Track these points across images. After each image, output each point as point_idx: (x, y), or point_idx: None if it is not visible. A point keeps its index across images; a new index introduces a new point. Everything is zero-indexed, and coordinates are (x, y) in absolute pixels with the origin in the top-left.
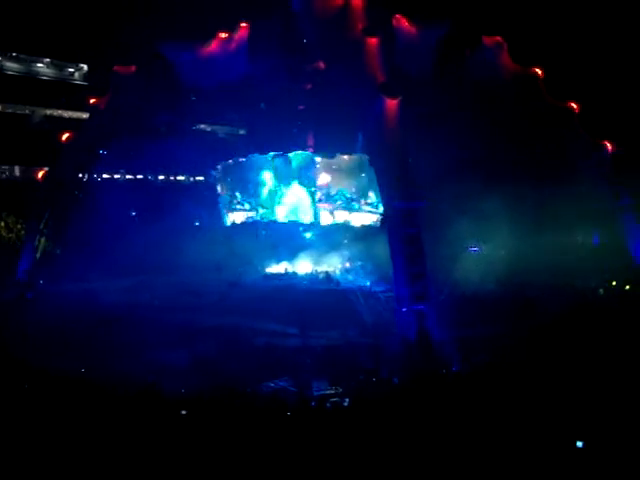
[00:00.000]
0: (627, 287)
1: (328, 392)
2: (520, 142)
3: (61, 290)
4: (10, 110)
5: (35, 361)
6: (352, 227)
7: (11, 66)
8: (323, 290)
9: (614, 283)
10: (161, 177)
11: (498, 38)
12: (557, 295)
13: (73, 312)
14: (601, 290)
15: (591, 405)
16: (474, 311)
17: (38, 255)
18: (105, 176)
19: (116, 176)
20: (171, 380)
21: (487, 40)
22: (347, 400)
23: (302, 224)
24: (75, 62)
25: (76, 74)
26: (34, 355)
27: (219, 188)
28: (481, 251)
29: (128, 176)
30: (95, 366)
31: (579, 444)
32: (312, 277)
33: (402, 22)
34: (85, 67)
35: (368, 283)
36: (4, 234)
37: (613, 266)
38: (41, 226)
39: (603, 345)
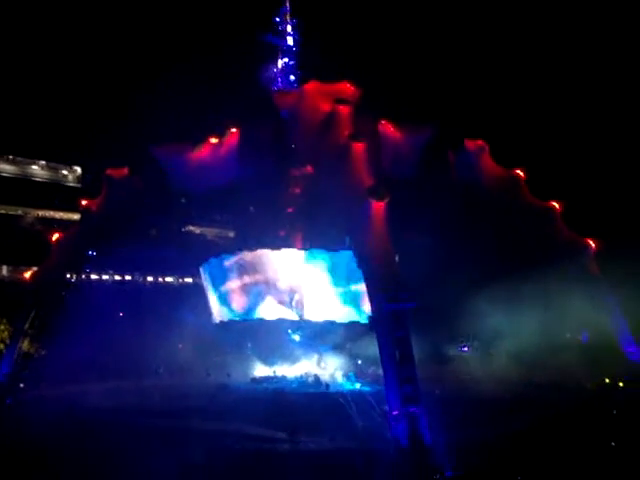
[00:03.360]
0: (620, 384)
1: None
2: (506, 241)
3: (43, 394)
4: (2, 211)
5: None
6: (340, 324)
7: (6, 168)
8: (312, 394)
9: (607, 380)
10: (149, 278)
11: (480, 142)
12: (552, 394)
13: (54, 419)
14: (601, 387)
15: None
16: (466, 412)
17: (20, 358)
18: (93, 277)
19: (104, 277)
20: None
21: (469, 143)
22: None
23: (291, 322)
24: (69, 164)
25: (70, 176)
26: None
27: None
28: (470, 351)
29: (116, 277)
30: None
31: None
32: (301, 380)
33: (387, 127)
34: (79, 170)
35: (358, 385)
36: None
37: (605, 363)
38: (26, 326)
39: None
